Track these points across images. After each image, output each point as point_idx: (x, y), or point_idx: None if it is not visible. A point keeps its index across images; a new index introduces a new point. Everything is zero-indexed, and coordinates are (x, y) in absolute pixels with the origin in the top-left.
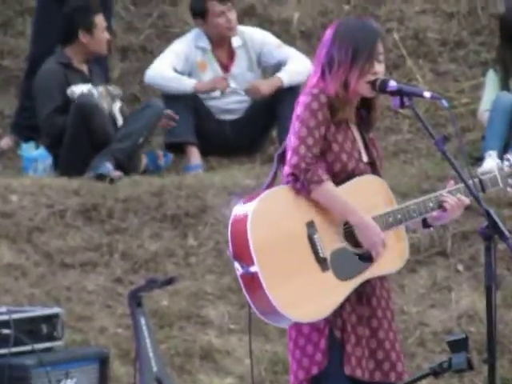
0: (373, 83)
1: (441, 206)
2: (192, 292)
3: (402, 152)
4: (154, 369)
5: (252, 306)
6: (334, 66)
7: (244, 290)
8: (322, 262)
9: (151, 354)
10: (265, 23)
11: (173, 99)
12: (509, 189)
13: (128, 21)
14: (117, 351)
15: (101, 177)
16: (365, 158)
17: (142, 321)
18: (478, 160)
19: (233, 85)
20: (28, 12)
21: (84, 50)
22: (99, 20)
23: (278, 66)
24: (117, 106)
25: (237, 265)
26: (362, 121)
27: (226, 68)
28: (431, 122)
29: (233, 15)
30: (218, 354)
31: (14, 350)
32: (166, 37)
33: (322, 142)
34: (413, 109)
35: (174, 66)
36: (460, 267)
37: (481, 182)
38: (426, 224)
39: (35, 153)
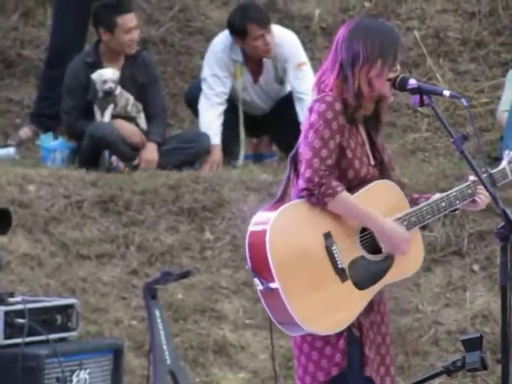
0: (393, 81)
1: (452, 205)
2: (207, 286)
3: (420, 150)
4: (168, 361)
5: (271, 317)
6: (358, 61)
7: (264, 303)
8: (340, 272)
9: (165, 347)
10: (285, 19)
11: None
12: None
13: (149, 13)
14: (131, 343)
15: (108, 167)
16: (372, 161)
17: (157, 313)
18: (496, 160)
19: (261, 93)
20: (49, 2)
21: (107, 47)
22: (124, 20)
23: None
24: (142, 118)
25: (256, 281)
26: (369, 118)
27: (255, 76)
28: (450, 122)
29: (270, 37)
30: (232, 348)
31: (28, 339)
32: (187, 30)
33: (337, 150)
34: (433, 107)
35: (219, 92)
36: (475, 267)
37: (491, 175)
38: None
39: (54, 143)
